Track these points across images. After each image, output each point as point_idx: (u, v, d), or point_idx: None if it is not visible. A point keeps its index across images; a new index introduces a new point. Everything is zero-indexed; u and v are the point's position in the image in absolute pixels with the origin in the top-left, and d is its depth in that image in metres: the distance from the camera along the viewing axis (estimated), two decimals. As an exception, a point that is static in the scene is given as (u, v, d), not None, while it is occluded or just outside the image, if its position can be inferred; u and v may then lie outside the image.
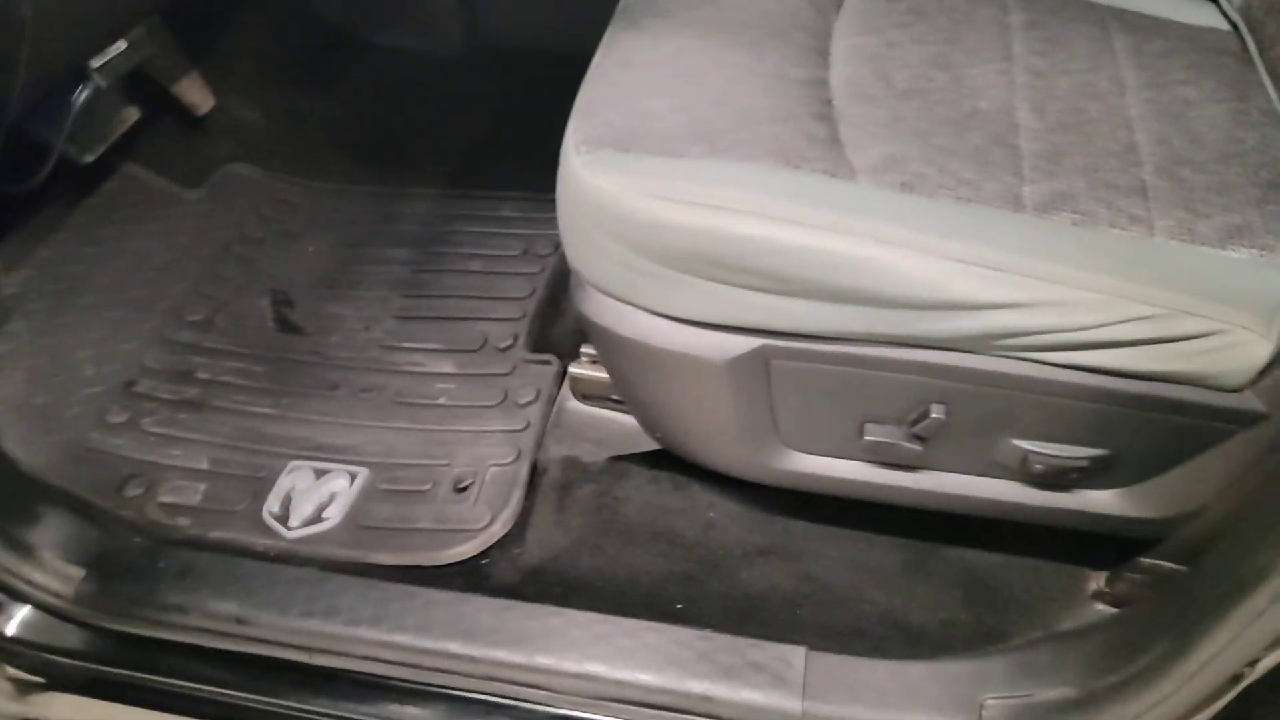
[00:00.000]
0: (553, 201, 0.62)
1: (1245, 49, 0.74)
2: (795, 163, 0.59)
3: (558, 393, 0.85)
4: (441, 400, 0.85)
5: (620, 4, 0.74)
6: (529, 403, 0.84)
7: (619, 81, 0.66)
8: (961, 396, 0.59)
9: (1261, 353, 0.53)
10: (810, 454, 0.66)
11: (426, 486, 0.78)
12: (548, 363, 0.88)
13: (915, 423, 0.61)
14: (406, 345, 0.91)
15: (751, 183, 0.57)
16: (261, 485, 0.79)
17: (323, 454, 0.82)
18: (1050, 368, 0.56)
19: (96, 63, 0.83)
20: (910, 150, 0.62)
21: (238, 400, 0.86)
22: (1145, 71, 0.70)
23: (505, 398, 0.86)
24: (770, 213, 0.55)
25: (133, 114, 0.95)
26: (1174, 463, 0.59)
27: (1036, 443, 0.60)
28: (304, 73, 1.08)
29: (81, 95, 0.84)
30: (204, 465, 0.81)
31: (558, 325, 0.93)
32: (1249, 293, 0.54)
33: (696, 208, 0.56)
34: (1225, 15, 0.78)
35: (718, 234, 0.55)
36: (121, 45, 0.85)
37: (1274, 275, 0.56)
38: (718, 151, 0.59)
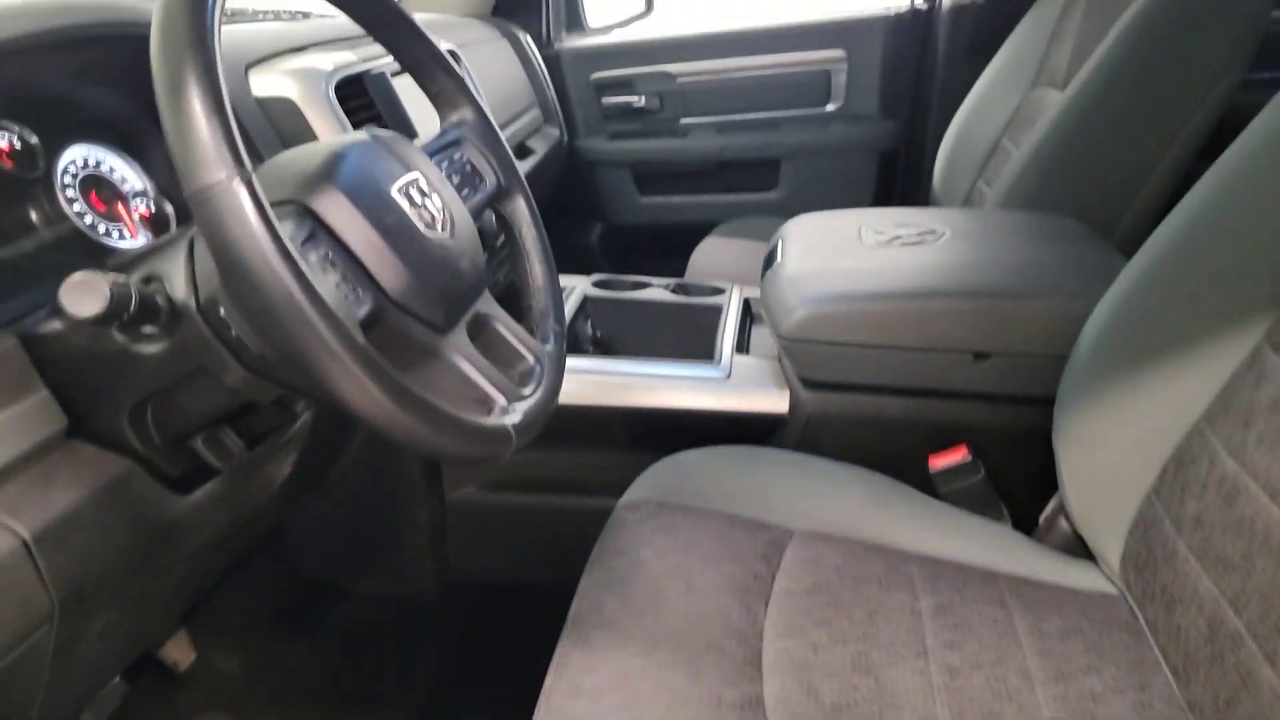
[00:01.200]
0: None
1: (1134, 615, 0.83)
2: (735, 817, 0.62)
3: None
4: None
5: (572, 609, 0.82)
6: None
7: (568, 714, 0.71)
8: None
9: None
10: None
11: None
12: None
13: None
14: None
15: None
16: None
17: None
18: None
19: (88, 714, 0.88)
20: (844, 786, 0.65)
21: None
22: (1049, 659, 0.77)
23: None
24: None
25: (116, 695, 0.99)
26: None
27: None
28: (283, 622, 1.15)
29: None
30: None
31: None
32: None
33: None
34: (1109, 579, 0.87)
35: None
36: (115, 679, 0.92)
37: None
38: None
